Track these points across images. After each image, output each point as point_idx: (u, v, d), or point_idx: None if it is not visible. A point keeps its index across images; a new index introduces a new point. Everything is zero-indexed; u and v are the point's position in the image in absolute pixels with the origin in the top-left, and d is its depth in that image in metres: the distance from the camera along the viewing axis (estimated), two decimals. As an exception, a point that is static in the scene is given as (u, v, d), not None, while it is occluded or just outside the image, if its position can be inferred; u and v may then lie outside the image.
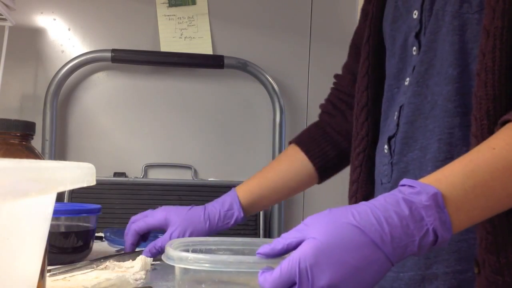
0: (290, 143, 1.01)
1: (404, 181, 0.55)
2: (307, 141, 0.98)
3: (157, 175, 1.65)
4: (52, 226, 0.43)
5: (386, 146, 0.75)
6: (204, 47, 1.66)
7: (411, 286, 0.70)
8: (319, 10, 1.73)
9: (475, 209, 0.54)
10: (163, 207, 0.96)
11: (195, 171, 1.66)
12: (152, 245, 0.90)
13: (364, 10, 0.92)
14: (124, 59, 1.58)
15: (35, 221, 0.38)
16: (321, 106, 1.02)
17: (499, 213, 0.56)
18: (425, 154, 0.69)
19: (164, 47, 1.64)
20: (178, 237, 0.89)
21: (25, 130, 0.58)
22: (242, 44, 1.68)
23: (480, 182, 0.54)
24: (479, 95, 0.61)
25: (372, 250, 0.50)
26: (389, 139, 0.75)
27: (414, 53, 0.73)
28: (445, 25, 0.68)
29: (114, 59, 1.57)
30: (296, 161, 0.98)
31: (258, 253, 0.57)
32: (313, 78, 1.72)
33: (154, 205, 1.57)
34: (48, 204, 0.40)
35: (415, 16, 0.73)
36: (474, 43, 0.65)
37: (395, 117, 0.74)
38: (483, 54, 0.61)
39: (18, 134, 0.58)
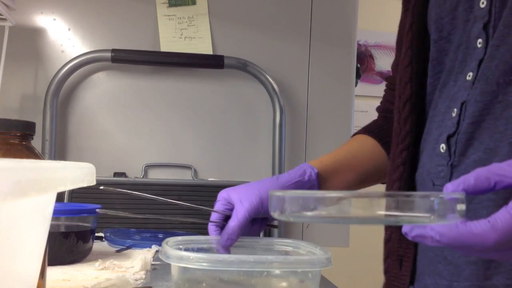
0: (354, 134, 0.92)
1: None
2: (376, 130, 0.90)
3: (157, 175, 1.65)
4: (52, 226, 0.43)
5: (443, 145, 0.69)
6: (204, 47, 1.66)
7: None
8: (319, 10, 1.73)
9: None
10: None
11: (195, 171, 1.66)
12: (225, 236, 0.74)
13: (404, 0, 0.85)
14: (124, 59, 1.58)
15: (35, 221, 0.38)
16: (379, 107, 0.95)
17: None
18: (490, 157, 0.64)
19: (164, 47, 1.64)
20: (250, 209, 0.73)
21: (25, 130, 0.58)
22: (242, 44, 1.68)
23: None
24: None
25: None
26: (448, 138, 0.69)
27: (479, 45, 0.67)
28: None
29: (114, 59, 1.57)
30: (367, 144, 0.88)
31: (449, 191, 0.47)
32: (313, 78, 1.72)
33: (154, 205, 1.58)
34: (48, 204, 0.40)
35: (482, 6, 0.67)
36: None
37: (453, 114, 0.68)
38: None
39: (18, 134, 0.58)
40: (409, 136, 0.76)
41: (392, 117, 0.85)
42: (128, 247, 1.08)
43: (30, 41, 1.60)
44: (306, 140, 1.73)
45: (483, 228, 0.45)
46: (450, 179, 0.67)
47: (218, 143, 1.69)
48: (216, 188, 1.63)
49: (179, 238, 0.74)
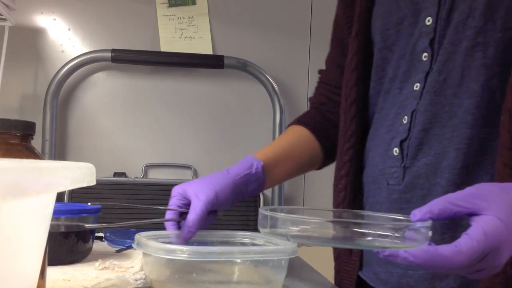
0: (290, 125, 0.98)
1: None
2: (310, 122, 0.96)
3: (157, 175, 1.65)
4: (52, 226, 0.43)
5: (396, 149, 0.76)
6: (204, 47, 1.66)
7: (420, 284, 0.71)
8: (319, 10, 1.73)
9: None
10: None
11: (195, 171, 1.66)
12: (186, 230, 0.76)
13: (344, 2, 0.90)
14: (124, 59, 1.58)
15: (35, 221, 0.38)
16: (313, 98, 1.01)
17: None
18: (440, 161, 0.71)
19: (164, 47, 1.64)
20: (207, 202, 0.77)
21: (25, 130, 0.58)
22: (242, 44, 1.68)
23: None
24: None
25: None
26: (401, 142, 0.76)
27: (425, 59, 0.74)
28: (466, 38, 0.70)
29: (114, 59, 1.57)
30: (303, 135, 0.94)
31: (416, 219, 0.54)
32: (313, 78, 1.72)
33: (154, 205, 1.58)
34: (48, 204, 0.40)
35: (428, 23, 0.74)
36: (495, 60, 0.68)
37: (404, 121, 0.75)
38: None
39: (18, 134, 0.58)
40: (354, 135, 0.84)
41: (324, 109, 0.96)
42: (128, 247, 1.08)
43: (30, 41, 1.60)
44: (306, 140, 1.74)
45: (451, 251, 0.52)
46: (403, 180, 0.75)
47: (218, 143, 1.69)
48: (216, 188, 1.64)
49: (148, 233, 0.75)
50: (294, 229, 0.53)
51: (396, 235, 0.51)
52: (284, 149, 0.91)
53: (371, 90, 0.83)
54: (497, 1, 0.68)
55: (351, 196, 0.84)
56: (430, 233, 0.53)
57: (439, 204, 0.54)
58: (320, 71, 1.01)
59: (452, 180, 0.70)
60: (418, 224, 0.52)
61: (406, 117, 0.75)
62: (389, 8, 0.80)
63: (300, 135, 0.95)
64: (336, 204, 0.86)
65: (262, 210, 0.57)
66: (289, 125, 0.98)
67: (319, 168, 0.98)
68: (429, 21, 0.74)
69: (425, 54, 0.74)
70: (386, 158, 0.78)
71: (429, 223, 0.53)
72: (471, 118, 0.69)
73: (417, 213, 0.55)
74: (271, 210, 0.57)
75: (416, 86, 0.75)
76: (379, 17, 0.82)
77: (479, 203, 0.54)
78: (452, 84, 0.71)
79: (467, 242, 0.52)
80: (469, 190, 0.55)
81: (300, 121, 0.97)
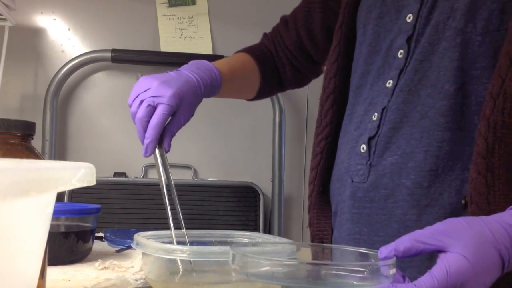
0: (237, 52, 1.01)
1: None
2: (261, 58, 0.99)
3: (157, 175, 1.65)
4: (52, 226, 0.43)
5: (364, 146, 0.74)
6: (204, 47, 1.66)
7: None
8: (319, 10, 1.72)
9: None
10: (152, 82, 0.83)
11: (195, 171, 1.66)
12: (169, 138, 0.85)
13: None
14: (124, 59, 1.58)
15: (35, 221, 0.38)
16: (266, 35, 1.02)
17: None
18: (406, 161, 0.70)
19: (164, 47, 1.64)
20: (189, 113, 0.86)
21: (25, 130, 0.58)
22: (242, 44, 1.68)
23: None
24: (493, 119, 0.62)
25: (500, 269, 0.54)
26: (369, 139, 0.74)
27: (400, 56, 0.72)
28: (445, 39, 0.68)
29: (114, 59, 1.57)
30: (250, 63, 0.98)
31: (382, 256, 0.54)
32: (313, 78, 1.72)
33: (154, 205, 1.58)
34: (48, 204, 0.40)
35: (408, 20, 0.72)
36: (473, 64, 0.66)
37: (374, 118, 0.73)
38: (503, 79, 0.62)
39: (18, 134, 0.58)
40: (328, 127, 0.83)
41: (269, 46, 0.99)
42: (128, 247, 1.08)
43: (30, 41, 1.60)
44: (306, 140, 1.73)
45: None
46: (368, 178, 0.73)
47: (218, 143, 1.69)
48: (216, 188, 1.64)
49: (148, 233, 0.75)
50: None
51: (359, 275, 0.52)
52: (233, 65, 0.95)
53: (353, 84, 0.82)
54: (480, 2, 0.66)
55: (319, 189, 0.83)
56: (393, 271, 0.53)
57: (406, 242, 0.54)
58: (282, 20, 1.00)
59: (418, 182, 0.68)
60: (381, 263, 0.53)
61: (376, 113, 0.73)
62: (375, 1, 0.79)
63: (248, 62, 0.98)
64: (308, 197, 0.86)
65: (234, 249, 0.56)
66: (236, 52, 1.02)
67: (252, 98, 1.01)
68: (409, 18, 0.72)
69: (401, 51, 0.72)
70: (353, 154, 0.76)
71: (392, 260, 0.53)
72: (444, 120, 0.67)
73: (383, 250, 0.55)
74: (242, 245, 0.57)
75: (389, 83, 0.73)
76: (364, 10, 0.81)
77: (445, 240, 0.54)
78: (427, 84, 0.69)
79: (428, 281, 0.52)
80: (437, 226, 0.55)
81: (248, 50, 1.00)
